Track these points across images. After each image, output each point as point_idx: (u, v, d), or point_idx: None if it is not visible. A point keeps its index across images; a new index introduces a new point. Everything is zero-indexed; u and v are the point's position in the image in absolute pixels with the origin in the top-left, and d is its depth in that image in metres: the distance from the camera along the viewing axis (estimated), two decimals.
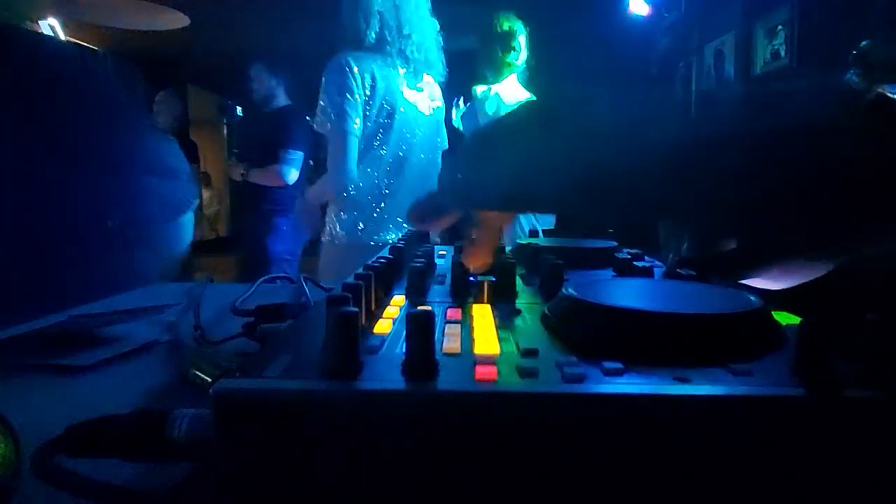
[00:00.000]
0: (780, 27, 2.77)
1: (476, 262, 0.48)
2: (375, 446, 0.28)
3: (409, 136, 1.97)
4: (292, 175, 3.11)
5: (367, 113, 1.87)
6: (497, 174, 0.37)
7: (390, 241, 1.88)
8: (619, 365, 0.30)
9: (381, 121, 1.90)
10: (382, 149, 1.93)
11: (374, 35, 1.87)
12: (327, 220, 2.00)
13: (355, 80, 1.81)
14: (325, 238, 1.99)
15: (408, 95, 1.95)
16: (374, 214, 1.94)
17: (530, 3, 2.81)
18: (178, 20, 5.42)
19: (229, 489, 0.28)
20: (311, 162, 3.35)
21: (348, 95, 1.81)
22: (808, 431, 0.28)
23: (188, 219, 1.71)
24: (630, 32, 4.12)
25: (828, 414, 0.28)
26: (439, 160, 2.10)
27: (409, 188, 1.96)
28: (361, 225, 1.93)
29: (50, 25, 3.53)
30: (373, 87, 1.85)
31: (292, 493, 0.28)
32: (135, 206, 1.33)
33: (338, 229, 1.95)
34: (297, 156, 3.11)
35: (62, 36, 3.66)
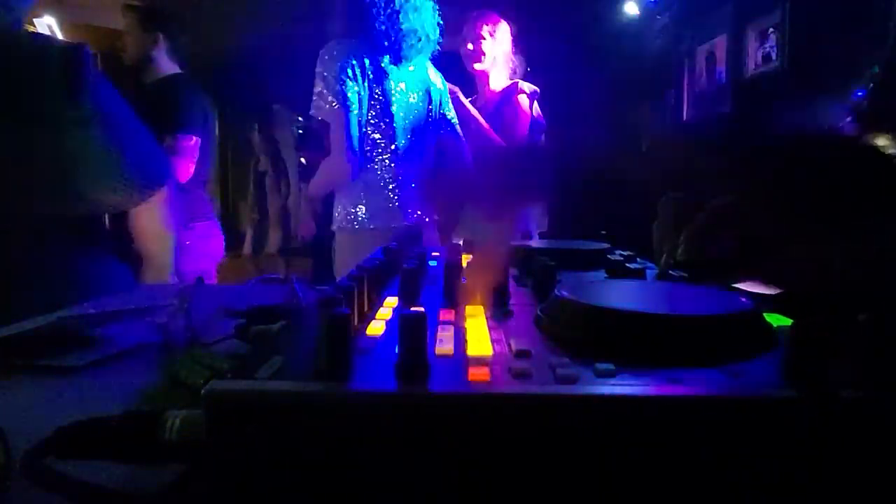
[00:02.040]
0: (771, 30, 2.78)
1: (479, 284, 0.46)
2: (367, 448, 0.28)
3: (397, 121, 2.00)
4: (182, 169, 2.20)
5: (362, 97, 1.91)
6: None
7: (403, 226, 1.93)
8: (611, 366, 0.30)
9: (374, 106, 1.95)
10: (376, 133, 1.96)
11: (362, 23, 1.92)
12: (338, 208, 2.03)
13: (351, 66, 1.87)
14: (339, 226, 2.02)
15: (394, 81, 1.99)
16: (385, 199, 1.99)
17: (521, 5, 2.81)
18: None
19: (221, 490, 0.28)
20: (303, 160, 2.94)
21: (345, 79, 1.85)
22: (799, 432, 0.28)
23: None
24: (621, 34, 4.13)
25: (819, 414, 0.28)
26: (431, 145, 2.13)
27: (405, 174, 2.02)
28: (369, 211, 1.98)
29: (47, 25, 3.49)
30: (363, 73, 1.90)
31: (284, 493, 0.28)
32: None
33: (357, 214, 1.99)
34: (188, 142, 2.19)
35: (59, 34, 3.62)
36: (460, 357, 0.33)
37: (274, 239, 5.73)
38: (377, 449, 0.28)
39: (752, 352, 0.34)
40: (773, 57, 2.79)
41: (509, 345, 0.35)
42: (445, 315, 0.43)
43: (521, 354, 0.33)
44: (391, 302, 0.48)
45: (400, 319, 0.30)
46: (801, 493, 0.28)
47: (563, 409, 0.28)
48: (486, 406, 0.28)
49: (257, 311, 0.73)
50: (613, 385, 0.29)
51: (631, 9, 3.98)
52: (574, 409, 0.28)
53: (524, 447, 0.27)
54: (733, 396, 0.28)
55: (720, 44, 3.27)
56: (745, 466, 0.28)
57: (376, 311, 0.44)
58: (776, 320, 0.41)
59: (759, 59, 2.91)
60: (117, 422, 0.34)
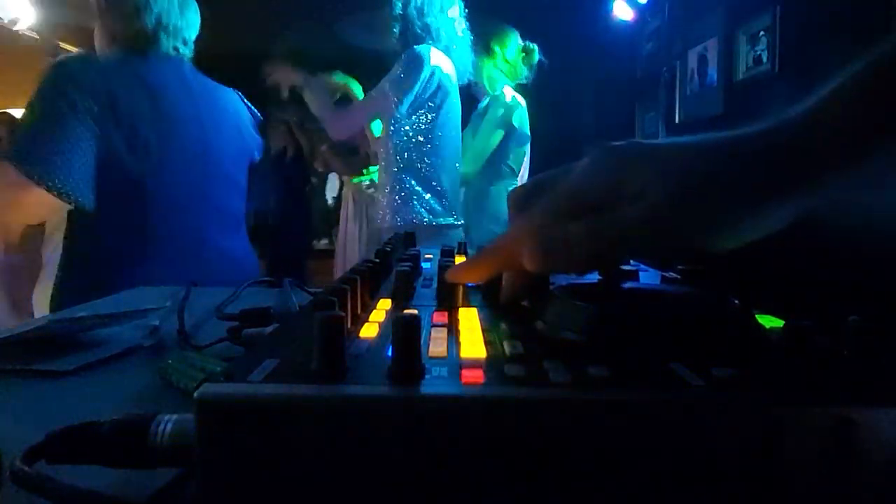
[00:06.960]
0: (762, 33, 2.80)
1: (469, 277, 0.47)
2: (361, 451, 0.27)
3: (439, 124, 2.14)
4: None
5: (424, 98, 2.08)
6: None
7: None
8: (606, 369, 0.30)
9: (436, 105, 2.11)
10: (419, 136, 2.11)
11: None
12: (385, 206, 2.17)
13: (427, 71, 2.05)
14: (387, 224, 2.15)
15: (440, 86, 2.13)
16: (429, 198, 2.13)
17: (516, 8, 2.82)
18: None
19: (213, 495, 0.28)
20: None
21: (413, 86, 2.04)
22: (792, 434, 0.28)
23: None
24: (614, 37, 4.15)
25: (812, 416, 0.28)
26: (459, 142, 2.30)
27: (446, 176, 2.18)
28: (423, 208, 2.13)
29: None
30: (433, 75, 2.07)
31: (277, 498, 0.28)
32: None
33: (425, 210, 2.13)
34: None
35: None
36: (454, 359, 0.33)
37: None
38: (370, 452, 0.28)
39: (745, 354, 0.34)
40: (764, 60, 2.80)
41: (503, 347, 0.35)
42: (439, 317, 0.43)
43: (515, 357, 0.33)
44: (385, 304, 0.47)
45: (393, 322, 0.30)
46: (794, 495, 0.28)
47: (558, 411, 0.28)
48: (479, 409, 0.28)
49: (250, 314, 0.72)
50: (608, 388, 0.29)
51: (623, 11, 4.00)
52: (568, 412, 0.28)
53: (518, 450, 0.27)
54: (727, 399, 0.28)
55: (712, 46, 3.29)
56: (739, 469, 0.28)
57: (370, 314, 0.44)
58: (768, 322, 0.41)
59: (751, 61, 2.92)
60: (108, 426, 0.34)
